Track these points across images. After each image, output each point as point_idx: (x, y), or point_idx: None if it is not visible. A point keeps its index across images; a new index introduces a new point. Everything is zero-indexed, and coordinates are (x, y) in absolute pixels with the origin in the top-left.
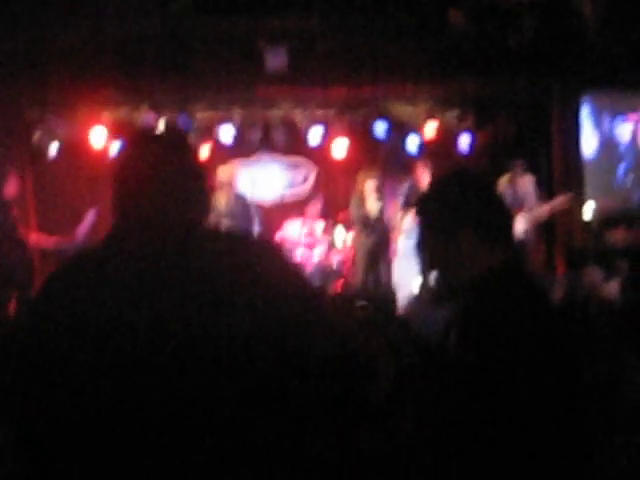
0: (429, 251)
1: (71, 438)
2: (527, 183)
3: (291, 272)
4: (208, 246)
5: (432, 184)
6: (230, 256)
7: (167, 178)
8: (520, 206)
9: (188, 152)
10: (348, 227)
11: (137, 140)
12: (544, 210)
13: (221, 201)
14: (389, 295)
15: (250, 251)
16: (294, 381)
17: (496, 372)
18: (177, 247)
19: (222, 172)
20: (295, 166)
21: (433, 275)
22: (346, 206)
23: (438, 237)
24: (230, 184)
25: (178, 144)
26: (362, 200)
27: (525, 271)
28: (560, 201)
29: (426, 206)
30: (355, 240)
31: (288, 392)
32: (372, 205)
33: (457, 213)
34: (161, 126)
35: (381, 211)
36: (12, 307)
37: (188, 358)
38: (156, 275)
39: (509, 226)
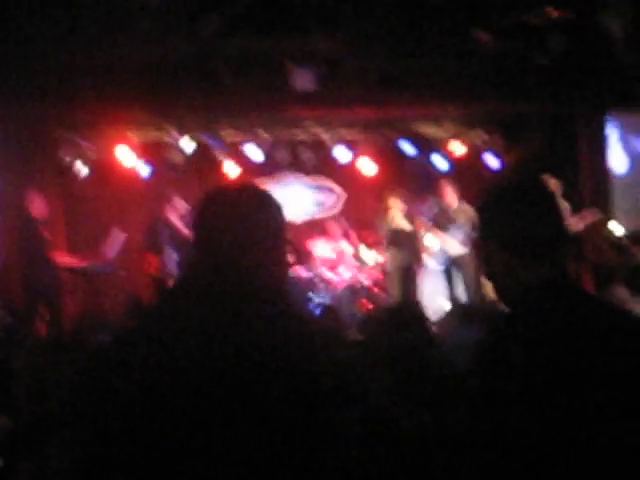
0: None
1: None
2: (562, 207)
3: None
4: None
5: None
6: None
7: (245, 235)
8: None
9: (274, 211)
10: (375, 246)
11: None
12: (577, 227)
13: None
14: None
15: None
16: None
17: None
18: (237, 306)
19: None
20: (321, 186)
21: (462, 293)
22: (373, 225)
23: (480, 250)
24: None
25: (265, 202)
26: (391, 220)
27: (565, 293)
28: (586, 216)
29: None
30: (385, 260)
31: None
32: (402, 222)
33: (486, 228)
34: (188, 145)
35: (410, 230)
36: (42, 324)
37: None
38: (216, 322)
39: (548, 243)
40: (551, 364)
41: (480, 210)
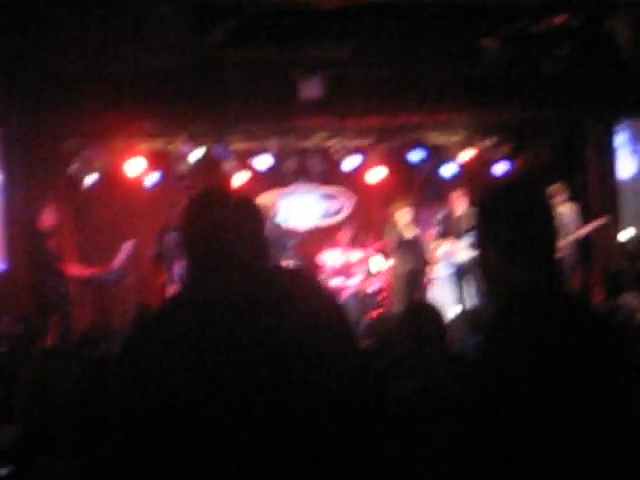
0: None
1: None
2: (568, 211)
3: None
4: (273, 284)
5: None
6: (289, 291)
7: (239, 231)
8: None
9: (252, 206)
10: (385, 255)
11: (210, 199)
12: (581, 232)
13: None
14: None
15: (305, 286)
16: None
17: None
18: (249, 287)
19: (261, 201)
20: (331, 196)
21: (471, 300)
22: (382, 234)
23: (476, 250)
24: (268, 214)
25: (243, 201)
26: (398, 227)
27: (557, 295)
28: (597, 223)
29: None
30: (393, 266)
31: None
32: (408, 231)
33: (483, 227)
34: (197, 155)
35: (417, 237)
36: (52, 335)
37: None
38: (235, 313)
39: (543, 245)
40: (536, 366)
41: (478, 210)
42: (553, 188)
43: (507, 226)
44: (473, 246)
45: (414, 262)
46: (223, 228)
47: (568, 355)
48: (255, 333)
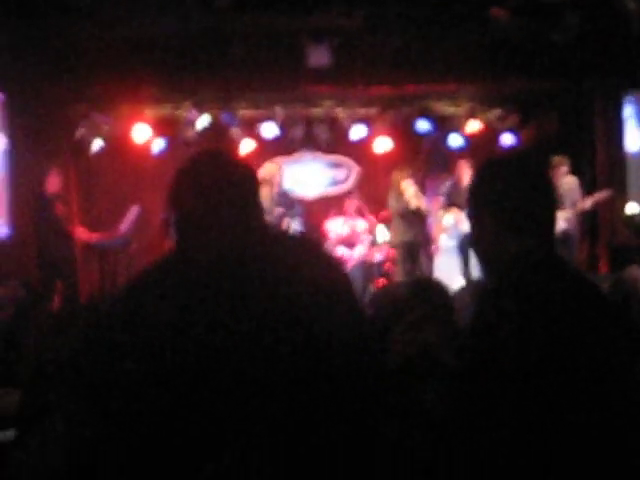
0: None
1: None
2: (570, 183)
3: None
4: (270, 249)
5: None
6: (291, 257)
7: (230, 192)
8: (561, 204)
9: (242, 167)
10: (389, 225)
11: (200, 162)
12: (585, 205)
13: (264, 198)
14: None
15: (307, 252)
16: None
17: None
18: (244, 252)
19: (266, 169)
20: (337, 164)
21: (475, 273)
22: (387, 202)
23: (470, 220)
24: (273, 181)
25: (233, 163)
26: (400, 195)
27: (553, 266)
28: (600, 196)
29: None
30: (394, 234)
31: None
32: (411, 199)
33: (480, 197)
34: (204, 122)
35: (421, 207)
36: (58, 298)
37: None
38: (227, 277)
39: (541, 217)
40: (533, 338)
41: (475, 181)
42: (555, 159)
43: (505, 197)
44: (467, 217)
45: (415, 232)
46: (212, 187)
47: (566, 326)
48: (251, 296)
